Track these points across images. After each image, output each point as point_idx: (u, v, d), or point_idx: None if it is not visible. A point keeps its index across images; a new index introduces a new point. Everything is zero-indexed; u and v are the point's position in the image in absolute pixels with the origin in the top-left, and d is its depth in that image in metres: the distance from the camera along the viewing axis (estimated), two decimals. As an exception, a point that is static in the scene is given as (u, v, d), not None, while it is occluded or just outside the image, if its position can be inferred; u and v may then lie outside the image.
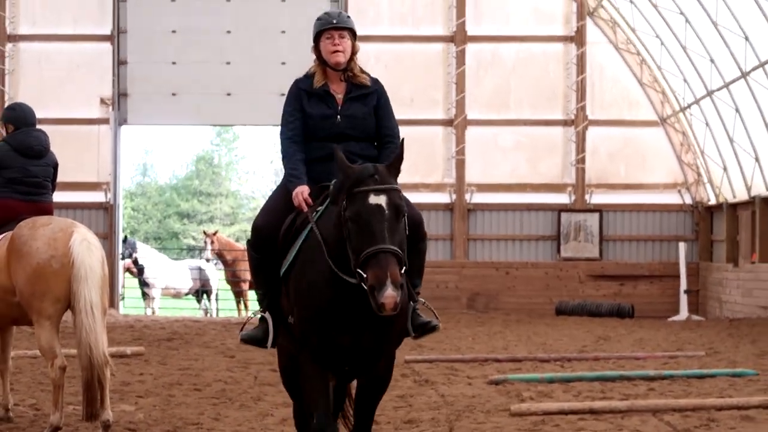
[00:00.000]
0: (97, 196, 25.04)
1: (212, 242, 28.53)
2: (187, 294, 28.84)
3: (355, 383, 6.84)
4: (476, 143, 25.51)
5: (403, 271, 5.86)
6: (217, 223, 62.79)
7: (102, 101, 25.04)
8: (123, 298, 27.36)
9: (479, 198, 25.47)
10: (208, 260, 28.77)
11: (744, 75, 21.42)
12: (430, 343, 15.49)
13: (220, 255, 28.58)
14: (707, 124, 24.29)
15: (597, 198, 25.55)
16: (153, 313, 27.13)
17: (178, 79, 25.15)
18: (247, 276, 26.85)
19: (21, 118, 9.45)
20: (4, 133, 9.61)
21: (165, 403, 10.54)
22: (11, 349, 9.75)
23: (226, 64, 25.18)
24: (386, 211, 5.92)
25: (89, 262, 8.41)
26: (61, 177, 10.09)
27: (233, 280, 28.34)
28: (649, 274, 25.39)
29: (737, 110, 22.52)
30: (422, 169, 24.87)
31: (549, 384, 11.85)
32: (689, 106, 24.72)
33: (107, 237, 24.47)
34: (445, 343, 16.74)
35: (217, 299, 29.18)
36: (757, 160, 22.26)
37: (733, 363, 13.84)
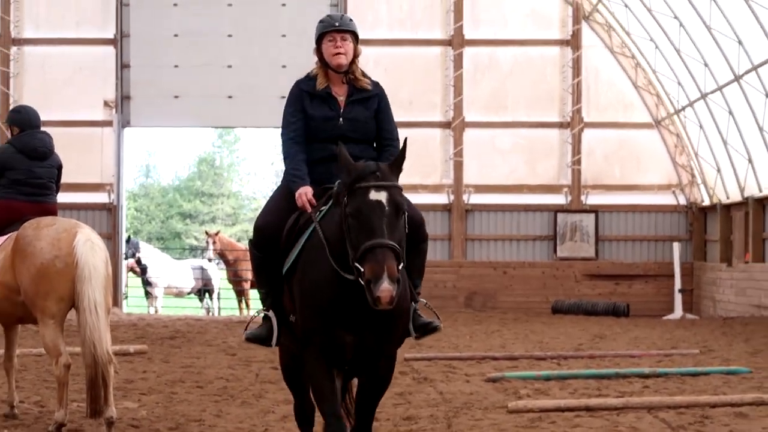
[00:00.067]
0: (101, 197, 25.10)
1: (214, 242, 28.59)
2: (189, 293, 28.88)
3: (355, 381, 6.84)
4: (474, 145, 25.59)
5: (401, 267, 5.83)
6: (218, 224, 62.74)
7: (105, 104, 25.11)
8: (126, 297, 27.36)
9: (477, 199, 25.56)
10: (210, 260, 28.81)
11: (737, 78, 21.45)
12: (428, 341, 15.40)
13: (221, 255, 28.65)
14: (701, 127, 24.35)
15: (593, 199, 25.64)
16: (156, 311, 27.16)
17: (180, 82, 25.21)
18: (248, 275, 26.96)
19: (26, 120, 9.45)
20: (9, 136, 9.61)
21: (167, 400, 10.53)
22: (16, 348, 9.76)
23: (227, 67, 25.24)
24: (386, 208, 5.90)
25: (93, 261, 8.41)
26: (65, 178, 10.07)
27: (235, 280, 28.43)
28: (644, 273, 25.48)
29: (731, 113, 22.58)
30: (421, 170, 24.90)
31: (545, 381, 11.83)
32: (683, 109, 24.78)
33: (111, 237, 24.53)
34: (444, 341, 16.69)
35: (218, 298, 29.22)
36: (750, 161, 22.31)
37: (727, 361, 13.85)
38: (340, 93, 6.85)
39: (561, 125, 25.72)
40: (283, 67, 24.48)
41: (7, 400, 9.54)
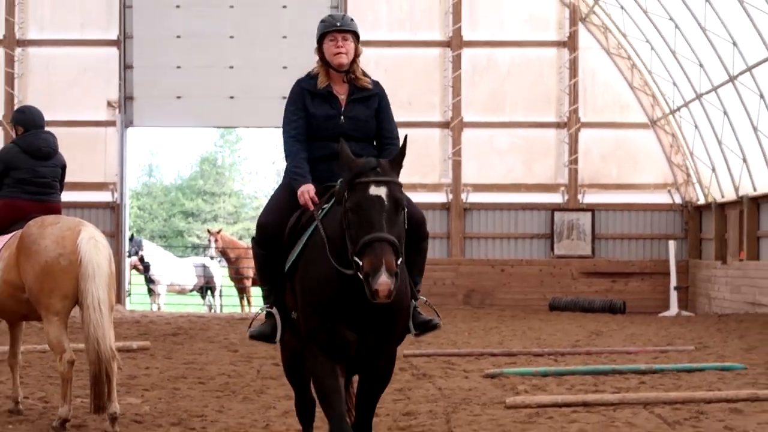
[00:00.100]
0: (104, 196, 25.14)
1: (216, 240, 28.62)
2: (191, 290, 28.91)
3: (356, 378, 6.80)
4: (472, 145, 25.64)
5: (399, 262, 5.80)
6: (220, 222, 62.83)
7: (109, 104, 25.15)
8: (129, 295, 27.38)
9: (475, 198, 25.63)
10: (212, 258, 28.85)
11: (732, 79, 21.51)
12: (428, 338, 15.42)
13: (223, 252, 28.68)
14: (696, 127, 24.40)
15: (589, 198, 25.71)
16: (158, 308, 27.22)
17: (182, 83, 25.28)
18: (250, 273, 27.05)
19: (30, 120, 9.46)
20: (14, 135, 9.65)
21: (170, 396, 10.56)
22: (21, 344, 9.79)
23: (229, 68, 25.32)
24: (386, 203, 5.88)
25: (96, 259, 8.42)
26: (69, 177, 10.12)
27: (236, 277, 28.43)
28: (640, 271, 25.54)
29: (725, 113, 22.63)
30: (420, 169, 24.96)
31: (543, 377, 11.85)
32: (679, 109, 24.82)
33: (114, 235, 24.57)
34: (443, 338, 16.70)
35: (220, 295, 29.26)
36: (744, 161, 22.37)
37: (722, 357, 13.86)
38: (341, 92, 6.86)
39: (558, 125, 25.78)
40: (284, 67, 24.57)
41: (11, 396, 9.58)
